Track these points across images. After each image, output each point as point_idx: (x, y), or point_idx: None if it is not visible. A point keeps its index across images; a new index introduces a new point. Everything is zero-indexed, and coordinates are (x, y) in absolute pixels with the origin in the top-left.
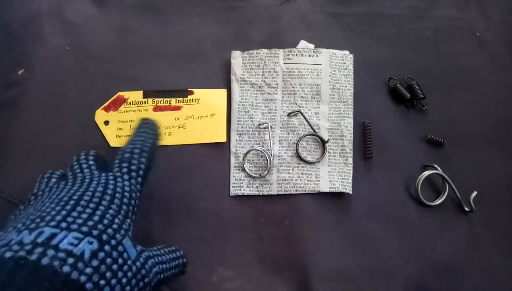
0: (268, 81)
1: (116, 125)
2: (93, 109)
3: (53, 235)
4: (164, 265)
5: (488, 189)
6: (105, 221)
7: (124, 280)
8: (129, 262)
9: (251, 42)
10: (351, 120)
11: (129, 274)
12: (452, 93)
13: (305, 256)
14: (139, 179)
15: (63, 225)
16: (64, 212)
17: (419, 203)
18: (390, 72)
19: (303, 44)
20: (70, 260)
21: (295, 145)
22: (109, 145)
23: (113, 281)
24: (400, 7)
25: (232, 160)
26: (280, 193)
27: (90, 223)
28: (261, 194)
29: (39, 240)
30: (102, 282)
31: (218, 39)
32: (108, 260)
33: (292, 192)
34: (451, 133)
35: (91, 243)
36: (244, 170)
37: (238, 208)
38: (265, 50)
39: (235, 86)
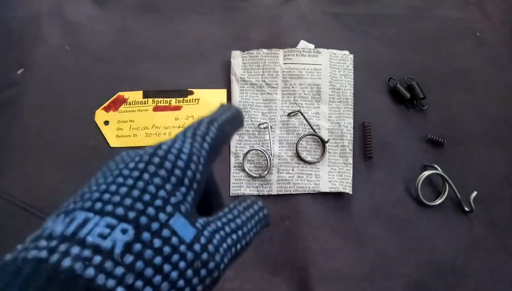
0: (268, 81)
1: (116, 125)
2: (93, 109)
3: (85, 222)
4: (239, 232)
5: (488, 189)
6: (146, 196)
7: (173, 275)
8: (181, 248)
9: (251, 42)
10: (351, 120)
11: (182, 264)
12: (452, 93)
13: (305, 256)
14: (205, 144)
15: (98, 205)
16: (103, 187)
17: (419, 203)
18: (390, 72)
19: (303, 44)
20: (97, 259)
21: (295, 145)
22: (109, 145)
23: (157, 279)
24: (400, 7)
25: (232, 160)
26: (280, 193)
27: (127, 201)
28: (261, 194)
29: (68, 231)
30: (138, 283)
31: (218, 39)
32: (148, 253)
33: (292, 192)
34: (451, 133)
35: (125, 231)
36: (244, 170)
37: None
38: (265, 50)
39: (235, 86)
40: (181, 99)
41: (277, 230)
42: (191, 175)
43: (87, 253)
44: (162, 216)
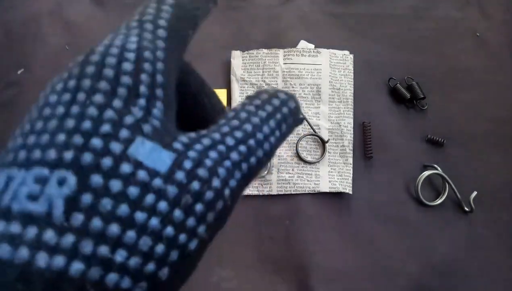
0: (268, 81)
1: None
2: None
3: (7, 184)
4: (250, 141)
5: (488, 189)
6: (86, 124)
7: (153, 223)
8: (156, 183)
9: (251, 42)
10: (351, 120)
11: (162, 205)
12: (452, 93)
13: (305, 256)
14: (160, 31)
15: (21, 155)
16: (27, 127)
17: (419, 203)
18: (390, 72)
19: (303, 44)
20: (30, 232)
21: (295, 145)
22: None
23: (129, 236)
24: (400, 7)
25: None
26: (280, 193)
27: (60, 137)
28: (261, 194)
29: None
30: (103, 249)
31: (218, 39)
32: (105, 203)
33: (292, 192)
34: (451, 133)
35: (62, 182)
36: None
37: (238, 208)
38: (265, 50)
39: (235, 86)
40: None
41: (277, 230)
42: (148, 78)
43: (15, 227)
44: (116, 146)
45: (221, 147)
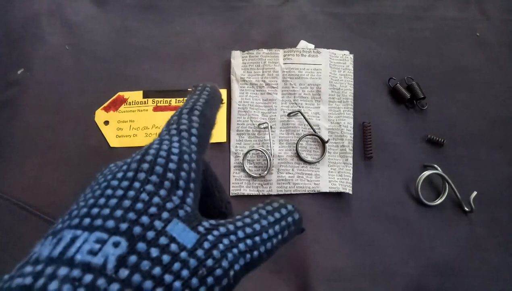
0: (268, 81)
1: (116, 125)
2: (93, 109)
3: (73, 241)
4: (256, 238)
5: (488, 189)
6: (138, 206)
7: (176, 285)
8: (182, 255)
9: (251, 42)
10: (351, 120)
11: (185, 272)
12: (452, 93)
13: (305, 256)
14: (193, 138)
15: (86, 221)
16: (91, 201)
17: (419, 203)
18: (390, 72)
19: (303, 44)
20: (87, 278)
21: (295, 145)
22: (109, 145)
23: None
24: (400, 7)
25: (232, 160)
26: (280, 193)
27: (118, 212)
28: (261, 194)
29: (55, 252)
30: None
31: (218, 39)
32: (144, 264)
33: (292, 192)
34: (451, 133)
35: (117, 244)
36: (244, 170)
37: (238, 208)
38: (265, 50)
39: (235, 86)
40: (181, 99)
41: None
42: (185, 175)
43: (76, 273)
44: (158, 223)
45: (233, 237)
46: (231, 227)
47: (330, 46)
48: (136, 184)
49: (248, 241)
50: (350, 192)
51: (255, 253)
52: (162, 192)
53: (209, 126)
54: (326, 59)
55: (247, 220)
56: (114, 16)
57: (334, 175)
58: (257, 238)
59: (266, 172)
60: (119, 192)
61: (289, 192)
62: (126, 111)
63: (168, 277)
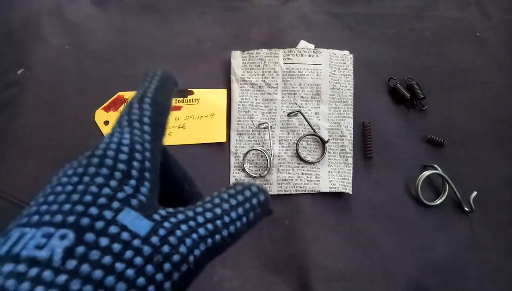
0: (268, 81)
1: None
2: (93, 109)
3: (19, 239)
4: (217, 222)
5: (488, 189)
6: (87, 198)
7: (129, 273)
8: (135, 243)
9: (251, 42)
10: (351, 120)
11: (138, 260)
12: (452, 93)
13: (305, 256)
14: (145, 127)
15: (34, 218)
16: (41, 200)
17: (419, 203)
18: (390, 72)
19: (303, 44)
20: (33, 272)
21: (295, 145)
22: None
23: (109, 280)
24: (400, 7)
25: (232, 160)
26: (280, 193)
27: (66, 206)
28: None
29: (2, 252)
30: (87, 288)
31: (218, 39)
32: (93, 254)
33: (292, 192)
34: (451, 133)
35: (63, 237)
36: (244, 170)
37: None
38: (265, 50)
39: (235, 86)
40: (181, 99)
41: (277, 230)
42: (138, 165)
43: (21, 267)
44: (108, 213)
45: (191, 222)
46: (190, 213)
47: (330, 46)
48: (86, 178)
49: (209, 226)
50: (350, 192)
51: (217, 236)
52: (113, 183)
53: (163, 113)
54: (326, 59)
55: (208, 205)
56: (114, 16)
57: (334, 175)
58: (218, 222)
59: (266, 172)
60: (69, 188)
61: (289, 192)
62: None
63: (119, 265)
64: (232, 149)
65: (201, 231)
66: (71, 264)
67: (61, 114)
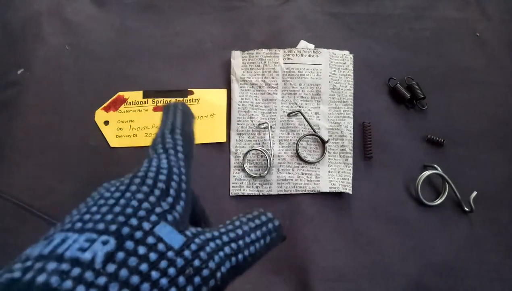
0: (268, 81)
1: (116, 125)
2: (93, 109)
3: (63, 241)
4: (240, 242)
5: (488, 189)
6: (128, 210)
7: (163, 282)
8: (169, 254)
9: (251, 42)
10: (351, 120)
11: (171, 270)
12: (452, 93)
13: (305, 256)
14: (180, 154)
15: (78, 225)
16: (84, 210)
17: (419, 203)
18: (390, 72)
19: (303, 44)
20: (75, 271)
21: (295, 145)
22: (109, 145)
23: (144, 287)
24: (400, 7)
25: (232, 160)
26: (280, 193)
27: (109, 217)
28: (261, 194)
29: (46, 251)
30: None
31: (218, 39)
32: (132, 260)
33: (292, 192)
34: (451, 133)
35: (105, 242)
36: (244, 170)
37: (238, 208)
38: (265, 50)
39: (235, 86)
40: (181, 99)
41: None
42: (176, 185)
43: (64, 266)
44: (146, 225)
45: (218, 241)
46: (215, 233)
47: (330, 46)
48: (128, 194)
49: (233, 245)
50: (350, 192)
51: (240, 256)
52: (152, 199)
53: (191, 143)
54: (326, 59)
55: (230, 227)
56: (114, 16)
57: (334, 175)
58: (240, 242)
59: (266, 172)
60: (111, 201)
61: (289, 192)
62: (126, 111)
63: (155, 274)
64: (232, 149)
65: (227, 249)
66: (111, 267)
67: (61, 114)
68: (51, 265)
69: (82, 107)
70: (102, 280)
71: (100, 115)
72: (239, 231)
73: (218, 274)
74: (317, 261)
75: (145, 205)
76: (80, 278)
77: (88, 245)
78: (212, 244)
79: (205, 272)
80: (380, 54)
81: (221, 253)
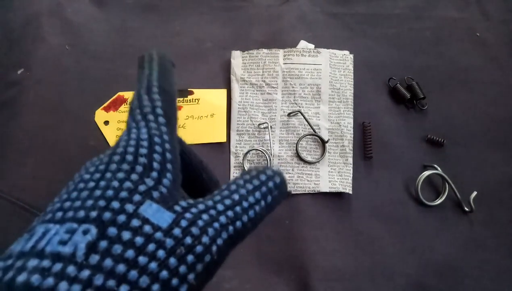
0: (268, 81)
1: (116, 125)
2: (93, 109)
3: (43, 234)
4: (236, 208)
5: (488, 189)
6: (108, 193)
7: (152, 266)
8: (157, 235)
9: (251, 42)
10: (351, 120)
11: (160, 253)
12: (452, 93)
13: (305, 256)
14: (160, 118)
15: (58, 215)
16: (64, 196)
17: (419, 203)
18: (390, 72)
19: (303, 44)
20: (57, 267)
21: (295, 145)
22: (109, 145)
23: (132, 274)
24: (400, 7)
25: (232, 160)
26: None
27: (89, 202)
28: None
29: (27, 247)
30: (110, 282)
31: (218, 39)
32: (116, 247)
33: (292, 192)
34: (451, 133)
35: (86, 232)
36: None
37: None
38: (265, 50)
39: (235, 86)
40: (181, 99)
41: (277, 230)
42: (159, 157)
43: (45, 263)
44: (129, 207)
45: (212, 211)
46: (209, 202)
47: (330, 46)
48: (108, 175)
49: (229, 213)
50: (350, 192)
51: (238, 223)
52: (134, 176)
53: (171, 100)
54: (326, 59)
55: (225, 193)
56: (114, 16)
57: (334, 175)
58: (237, 208)
59: None
60: (91, 184)
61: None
62: (126, 111)
63: (142, 259)
64: (232, 149)
65: (222, 219)
66: (94, 259)
67: (61, 114)
68: (32, 262)
69: (82, 107)
70: (85, 274)
71: (100, 115)
72: (236, 196)
73: (214, 248)
74: (317, 261)
75: (127, 184)
76: (62, 274)
77: (69, 237)
78: (205, 216)
79: (199, 248)
80: (380, 54)
81: (215, 224)
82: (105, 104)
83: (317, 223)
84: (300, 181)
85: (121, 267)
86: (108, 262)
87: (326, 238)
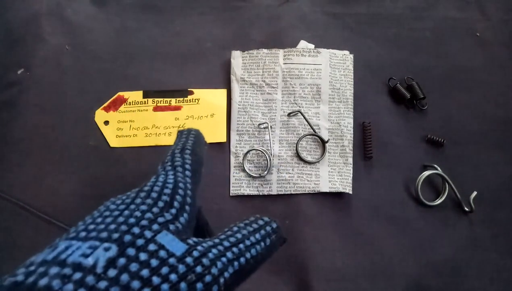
0: (268, 81)
1: (116, 125)
2: (93, 109)
3: (66, 248)
4: (240, 245)
5: (488, 189)
6: (131, 220)
7: (164, 287)
8: (170, 261)
9: (251, 42)
10: (351, 120)
11: (173, 276)
12: (452, 93)
13: (305, 256)
14: (187, 172)
15: (82, 234)
16: (89, 220)
17: (419, 203)
18: (390, 72)
19: (303, 44)
20: (77, 276)
21: (295, 145)
22: (109, 145)
23: None
24: (400, 7)
25: (232, 160)
26: (280, 193)
27: (112, 226)
28: (261, 194)
29: (49, 257)
30: None
31: (218, 39)
32: (133, 266)
33: (292, 192)
34: (451, 133)
35: (107, 249)
36: (244, 170)
37: (238, 208)
38: (265, 50)
39: (235, 86)
40: (181, 99)
41: None
42: (180, 198)
43: (66, 270)
44: (148, 233)
45: (220, 247)
46: (216, 240)
47: (330, 46)
48: (132, 206)
49: (234, 249)
50: (350, 192)
51: (242, 259)
52: (155, 209)
53: (200, 163)
54: (326, 59)
55: (229, 232)
56: (114, 16)
57: (334, 175)
58: (241, 245)
59: (266, 172)
60: (116, 213)
61: (289, 192)
62: (126, 111)
63: (156, 279)
64: (232, 149)
65: (229, 254)
66: (112, 272)
67: (61, 114)
68: (54, 270)
69: (82, 107)
70: (103, 284)
71: (100, 115)
72: (239, 235)
73: (221, 280)
74: (317, 261)
75: (148, 215)
76: (81, 281)
77: (91, 252)
78: (214, 250)
79: (208, 278)
80: (380, 54)
81: (223, 259)
82: (105, 104)
83: (317, 223)
84: (300, 181)
85: (135, 283)
86: (124, 277)
87: (326, 238)
